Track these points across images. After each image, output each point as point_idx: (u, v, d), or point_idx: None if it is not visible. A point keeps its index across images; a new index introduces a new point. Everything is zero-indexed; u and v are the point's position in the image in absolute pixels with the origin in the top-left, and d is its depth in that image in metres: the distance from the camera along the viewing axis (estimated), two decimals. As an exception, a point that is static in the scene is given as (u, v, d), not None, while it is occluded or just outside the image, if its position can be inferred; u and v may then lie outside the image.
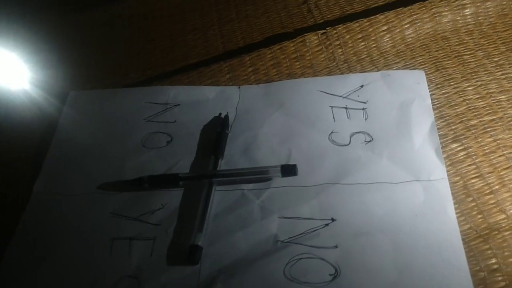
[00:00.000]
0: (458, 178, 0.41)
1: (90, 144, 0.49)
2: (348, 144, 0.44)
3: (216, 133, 0.47)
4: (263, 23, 0.59)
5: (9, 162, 0.50)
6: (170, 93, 0.51)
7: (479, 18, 0.52)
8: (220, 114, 0.49)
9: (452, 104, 0.45)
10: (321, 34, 0.52)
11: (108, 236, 0.42)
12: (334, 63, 0.51)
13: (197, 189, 0.43)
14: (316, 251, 0.38)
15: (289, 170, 0.41)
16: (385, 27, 0.52)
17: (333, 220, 0.39)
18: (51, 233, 0.43)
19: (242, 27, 0.59)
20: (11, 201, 0.46)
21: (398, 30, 0.52)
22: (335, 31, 0.52)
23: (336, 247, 0.38)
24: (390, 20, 0.52)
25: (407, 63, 0.50)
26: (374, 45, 0.52)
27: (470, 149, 0.42)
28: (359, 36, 0.52)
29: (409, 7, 0.52)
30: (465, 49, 0.50)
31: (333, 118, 0.46)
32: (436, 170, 0.40)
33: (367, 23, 0.52)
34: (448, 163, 0.41)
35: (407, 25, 0.52)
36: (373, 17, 0.52)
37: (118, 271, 0.39)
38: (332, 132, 0.45)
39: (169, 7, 0.65)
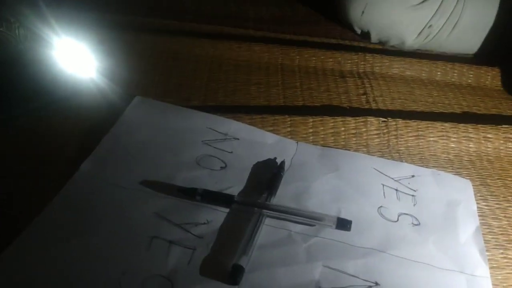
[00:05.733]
0: (497, 282, 0.42)
1: (145, 146, 0.49)
2: (396, 221, 0.45)
3: (271, 173, 0.48)
4: (324, 98, 0.63)
5: (58, 140, 0.50)
6: (231, 127, 0.53)
7: (521, 154, 0.57)
8: (275, 158, 0.50)
9: (494, 217, 0.48)
10: (382, 121, 0.56)
11: (148, 233, 0.40)
12: (388, 150, 0.55)
13: (245, 216, 0.43)
14: (359, 307, 0.37)
15: (344, 224, 0.42)
16: (439, 134, 0.56)
17: (376, 284, 0.39)
18: (89, 214, 0.41)
19: (304, 96, 0.63)
20: (52, 176, 0.45)
21: (450, 140, 0.56)
22: (395, 123, 0.56)
23: (379, 309, 0.37)
24: (445, 130, 0.56)
25: (454, 171, 0.53)
26: (426, 146, 0.55)
27: (511, 259, 0.44)
28: (415, 134, 0.56)
29: (464, 124, 0.57)
30: (506, 176, 0.54)
31: (384, 195, 0.48)
32: (480, 268, 0.42)
33: (425, 126, 0.56)
34: (489, 266, 0.43)
35: (459, 139, 0.56)
36: (430, 122, 0.57)
37: (152, 269, 0.38)
38: (381, 207, 0.47)
39: (238, 59, 0.69)
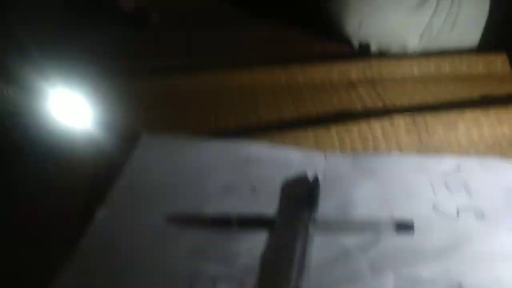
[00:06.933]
0: None
1: (164, 183, 0.44)
2: (457, 217, 0.40)
3: (307, 187, 0.43)
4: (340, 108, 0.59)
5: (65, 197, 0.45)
6: (252, 149, 0.49)
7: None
8: (306, 173, 0.46)
9: (558, 194, 0.43)
10: (409, 118, 0.52)
11: (185, 274, 0.35)
12: (421, 146, 0.50)
13: (291, 236, 0.38)
14: (449, 316, 0.31)
15: (405, 226, 0.37)
16: (471, 122, 0.52)
17: (459, 286, 0.34)
18: (113, 266, 0.36)
19: (318, 109, 0.59)
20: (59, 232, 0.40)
21: (483, 127, 0.52)
22: (423, 118, 0.52)
23: (472, 315, 0.32)
24: (476, 117, 0.52)
25: (498, 156, 0.49)
26: (461, 136, 0.51)
27: None
28: (446, 126, 0.52)
29: (494, 108, 0.53)
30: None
31: (433, 192, 0.43)
32: None
33: (454, 117, 0.52)
34: None
35: (492, 124, 0.52)
36: (459, 111, 0.53)
37: (200, 313, 0.32)
38: (435, 204, 0.42)
39: (242, 85, 0.65)
